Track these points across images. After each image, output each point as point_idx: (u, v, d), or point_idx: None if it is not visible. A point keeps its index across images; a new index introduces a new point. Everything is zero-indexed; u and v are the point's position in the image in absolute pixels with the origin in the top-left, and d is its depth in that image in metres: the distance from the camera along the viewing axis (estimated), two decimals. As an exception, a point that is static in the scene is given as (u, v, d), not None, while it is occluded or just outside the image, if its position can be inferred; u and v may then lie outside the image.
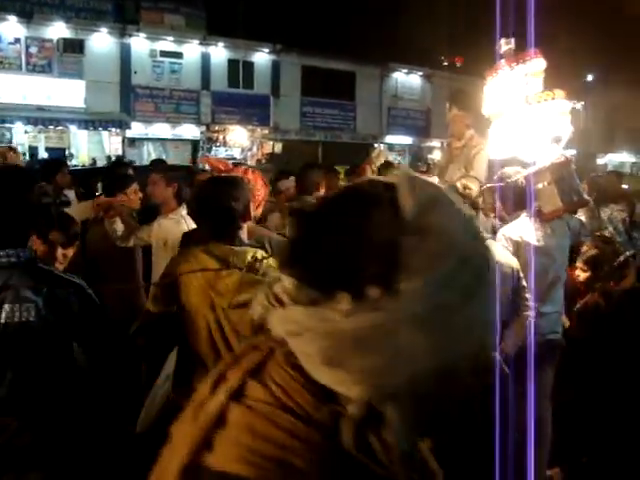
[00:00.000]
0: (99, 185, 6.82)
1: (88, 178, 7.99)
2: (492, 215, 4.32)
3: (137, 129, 23.51)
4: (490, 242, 3.50)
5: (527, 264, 3.62)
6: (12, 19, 20.70)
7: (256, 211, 3.55)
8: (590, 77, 35.24)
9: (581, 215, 5.10)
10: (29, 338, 1.99)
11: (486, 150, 4.70)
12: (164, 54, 24.13)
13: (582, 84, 34.21)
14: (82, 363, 2.26)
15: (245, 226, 2.81)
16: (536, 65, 3.79)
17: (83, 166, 17.97)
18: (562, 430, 3.82)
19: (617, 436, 3.56)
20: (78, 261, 3.40)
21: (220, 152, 25.14)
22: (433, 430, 0.87)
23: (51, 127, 21.65)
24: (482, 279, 0.81)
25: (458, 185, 3.80)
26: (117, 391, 2.42)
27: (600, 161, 31.67)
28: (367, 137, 28.89)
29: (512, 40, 3.87)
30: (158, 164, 7.55)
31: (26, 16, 20.80)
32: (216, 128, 25.46)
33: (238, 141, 25.78)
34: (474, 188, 3.83)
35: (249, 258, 2.58)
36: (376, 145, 26.86)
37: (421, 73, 31.05)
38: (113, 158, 20.65)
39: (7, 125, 20.74)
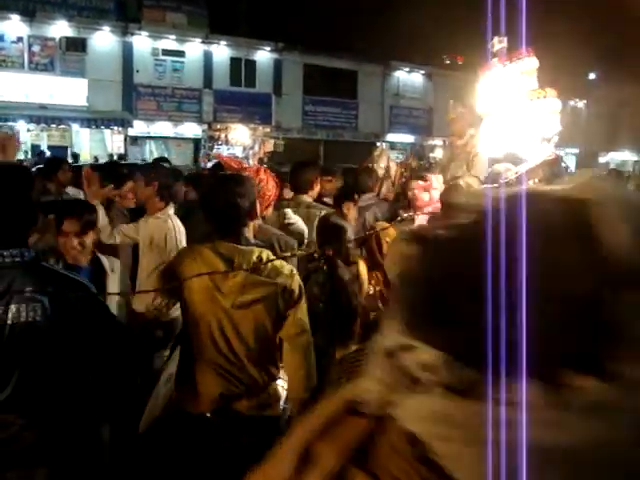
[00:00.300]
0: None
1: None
2: None
3: (139, 127, 23.53)
4: None
5: None
6: (15, 18, 20.73)
7: (266, 210, 3.56)
8: (593, 75, 35.18)
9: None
10: (36, 338, 2.00)
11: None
12: (166, 52, 24.14)
13: (585, 82, 34.18)
14: (89, 363, 2.27)
15: (251, 224, 2.82)
16: (529, 64, 3.81)
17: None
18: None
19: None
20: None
21: (222, 150, 25.14)
22: None
23: (53, 125, 21.74)
24: None
25: (461, 183, 3.82)
26: (122, 389, 2.43)
27: (602, 160, 31.64)
28: (369, 136, 28.86)
29: (505, 39, 3.89)
30: (161, 163, 7.56)
31: (29, 15, 20.84)
32: (218, 126, 25.47)
33: (240, 139, 25.77)
34: (476, 187, 3.86)
35: (254, 258, 2.59)
36: (378, 144, 26.85)
37: (423, 72, 31.02)
38: (115, 156, 20.70)
39: (10, 123, 20.74)
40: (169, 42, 24.06)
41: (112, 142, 23.03)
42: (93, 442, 2.28)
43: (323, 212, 4.19)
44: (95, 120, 21.77)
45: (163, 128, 24.34)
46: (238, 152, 25.47)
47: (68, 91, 21.72)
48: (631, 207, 0.54)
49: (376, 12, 27.15)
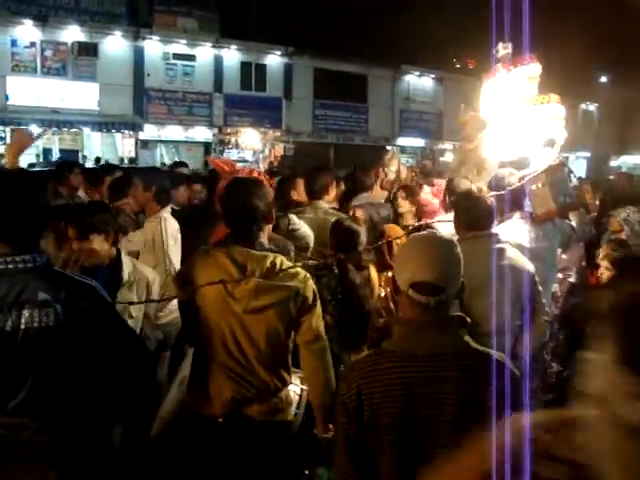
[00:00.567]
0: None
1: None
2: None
3: (150, 131, 23.66)
4: (507, 247, 3.51)
5: None
6: (28, 23, 20.92)
7: None
8: (604, 78, 34.99)
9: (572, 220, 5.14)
10: (49, 343, 2.01)
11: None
12: (177, 57, 24.26)
13: (596, 85, 33.99)
14: (101, 367, 2.28)
15: (267, 228, 2.82)
16: (532, 70, 3.82)
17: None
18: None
19: None
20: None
21: (232, 154, 25.22)
22: None
23: (65, 129, 21.88)
24: None
25: (473, 188, 3.82)
26: (134, 392, 2.44)
27: (613, 163, 31.44)
28: (379, 140, 28.85)
29: (509, 45, 3.90)
30: (178, 167, 7.59)
31: (41, 20, 21.02)
32: (228, 130, 25.55)
33: (250, 143, 25.84)
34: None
35: (268, 264, 2.60)
36: (388, 147, 26.83)
37: (433, 76, 30.99)
38: (126, 160, 20.81)
39: (22, 127, 20.90)
40: (180, 46, 24.18)
41: (123, 146, 23.17)
42: (105, 445, 2.29)
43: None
44: (106, 124, 21.93)
45: (174, 132, 24.45)
46: (248, 156, 25.55)
47: (80, 95, 21.88)
48: None
49: (386, 16, 27.17)
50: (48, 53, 21.60)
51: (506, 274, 3.21)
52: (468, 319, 1.99)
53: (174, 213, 4.85)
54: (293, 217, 4.07)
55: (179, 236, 4.54)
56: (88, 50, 22.14)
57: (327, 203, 4.75)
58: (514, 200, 3.95)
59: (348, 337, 3.49)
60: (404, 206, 5.36)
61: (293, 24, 24.67)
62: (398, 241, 4.12)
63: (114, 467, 2.38)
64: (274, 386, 2.66)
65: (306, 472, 3.07)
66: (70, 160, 13.80)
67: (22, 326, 1.98)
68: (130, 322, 2.99)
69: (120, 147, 23.21)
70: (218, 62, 25.12)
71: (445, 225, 3.94)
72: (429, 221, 4.46)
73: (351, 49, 25.62)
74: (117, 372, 2.29)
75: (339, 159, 24.09)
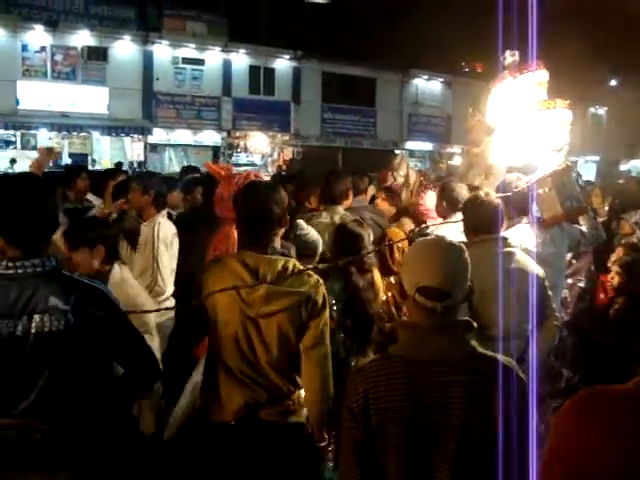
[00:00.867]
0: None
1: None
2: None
3: (159, 135, 23.72)
4: (516, 250, 3.50)
5: None
6: (38, 28, 21.04)
7: None
8: (614, 82, 34.83)
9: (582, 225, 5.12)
10: (59, 347, 2.02)
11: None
12: (186, 61, 24.33)
13: (606, 89, 33.84)
14: (110, 370, 2.30)
15: (280, 232, 2.82)
16: (539, 76, 3.83)
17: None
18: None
19: None
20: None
21: (241, 158, 25.29)
22: None
23: (74, 133, 21.98)
24: None
25: (481, 192, 3.82)
26: (143, 395, 2.45)
27: (623, 167, 31.26)
28: (387, 143, 28.83)
29: (516, 52, 3.91)
30: (189, 171, 7.59)
31: (52, 25, 21.14)
32: (237, 134, 25.59)
33: (259, 147, 25.89)
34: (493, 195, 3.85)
35: (279, 267, 2.61)
36: (397, 151, 26.81)
37: (442, 79, 30.94)
38: (135, 164, 20.89)
39: (32, 132, 21.08)
40: (189, 50, 24.26)
41: (132, 150, 23.24)
42: (114, 448, 2.30)
43: None
44: (115, 128, 22.00)
45: (182, 136, 24.51)
46: (257, 160, 25.61)
47: (89, 99, 21.98)
48: None
49: (394, 20, 27.15)
50: (58, 58, 21.71)
51: (515, 278, 3.21)
52: (475, 324, 1.99)
53: (173, 218, 4.91)
54: (301, 222, 4.09)
55: (176, 240, 4.57)
56: (98, 54, 22.25)
57: (343, 209, 4.76)
58: (521, 205, 3.94)
59: (353, 341, 3.49)
60: (383, 207, 5.40)
61: (301, 28, 24.70)
62: (400, 245, 4.13)
63: (124, 469, 2.38)
64: (287, 389, 2.66)
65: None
66: (77, 164, 13.89)
67: (33, 330, 2.00)
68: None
69: (129, 151, 23.29)
70: (227, 66, 25.18)
71: (448, 229, 3.94)
72: (431, 224, 4.47)
73: (359, 53, 25.62)
74: (125, 374, 2.31)
75: (347, 163, 24.09)
